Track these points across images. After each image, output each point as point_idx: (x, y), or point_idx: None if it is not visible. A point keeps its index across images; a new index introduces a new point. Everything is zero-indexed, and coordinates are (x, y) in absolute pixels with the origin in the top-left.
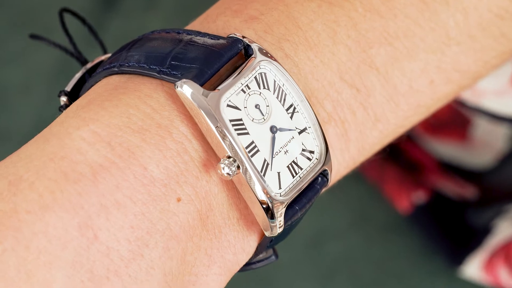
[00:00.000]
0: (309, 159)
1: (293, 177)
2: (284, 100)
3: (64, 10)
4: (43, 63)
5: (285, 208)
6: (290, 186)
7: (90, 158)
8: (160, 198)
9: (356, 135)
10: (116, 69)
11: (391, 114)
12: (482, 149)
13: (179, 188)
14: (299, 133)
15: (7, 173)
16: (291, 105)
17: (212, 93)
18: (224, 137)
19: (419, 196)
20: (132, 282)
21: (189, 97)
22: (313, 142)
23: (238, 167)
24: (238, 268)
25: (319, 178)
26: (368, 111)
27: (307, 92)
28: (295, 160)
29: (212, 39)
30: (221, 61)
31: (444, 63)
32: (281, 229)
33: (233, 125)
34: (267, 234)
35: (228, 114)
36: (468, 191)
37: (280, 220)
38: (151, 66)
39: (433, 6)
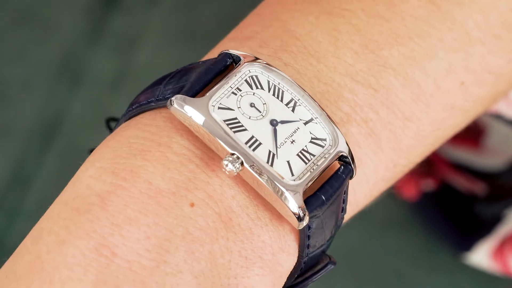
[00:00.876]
0: (321, 146)
1: (306, 163)
2: (282, 96)
3: (110, 119)
4: (45, 60)
5: (301, 194)
6: (304, 172)
7: (98, 188)
8: (172, 206)
9: (386, 134)
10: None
11: (422, 114)
12: (494, 155)
13: (190, 194)
14: (305, 123)
15: (32, 231)
16: (290, 100)
17: (198, 99)
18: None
19: (428, 184)
20: (163, 287)
21: (178, 107)
22: (323, 130)
23: (243, 163)
24: (282, 269)
25: (342, 167)
26: (393, 110)
27: (316, 95)
28: (305, 148)
29: (205, 62)
30: (210, 75)
31: (471, 63)
32: (306, 219)
33: (228, 124)
34: (296, 227)
35: (221, 115)
36: (478, 187)
37: (300, 209)
38: (149, 100)
39: (446, 7)
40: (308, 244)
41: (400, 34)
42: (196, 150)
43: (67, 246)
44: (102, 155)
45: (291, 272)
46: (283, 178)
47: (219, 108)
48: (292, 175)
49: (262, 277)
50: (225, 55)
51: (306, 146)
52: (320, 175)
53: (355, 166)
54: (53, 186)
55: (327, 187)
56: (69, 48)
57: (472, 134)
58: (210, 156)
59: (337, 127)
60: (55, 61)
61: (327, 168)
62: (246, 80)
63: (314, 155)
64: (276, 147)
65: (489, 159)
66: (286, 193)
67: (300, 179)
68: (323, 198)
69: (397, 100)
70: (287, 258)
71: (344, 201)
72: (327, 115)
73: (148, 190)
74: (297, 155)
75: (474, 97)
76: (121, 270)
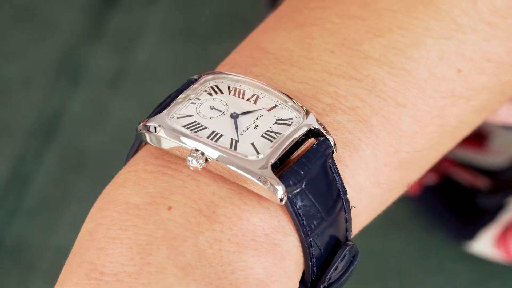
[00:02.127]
0: (287, 124)
1: (271, 141)
2: (243, 94)
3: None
4: (44, 58)
5: (269, 167)
6: (270, 149)
7: (88, 227)
8: (150, 214)
9: (378, 119)
10: None
11: (418, 100)
12: (498, 154)
13: (167, 200)
14: (269, 110)
15: None
16: (252, 95)
17: (157, 116)
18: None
19: (430, 178)
20: (148, 286)
21: (141, 130)
22: (288, 112)
23: (207, 160)
24: (282, 250)
25: (318, 141)
26: (382, 97)
27: (291, 94)
28: (270, 129)
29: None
30: (171, 96)
31: (466, 50)
32: (280, 189)
33: (187, 127)
34: (276, 201)
35: (180, 123)
36: (480, 181)
37: (271, 179)
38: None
39: None
40: (303, 223)
41: (379, 28)
42: (170, 164)
43: (64, 285)
44: (97, 200)
45: (304, 257)
46: (246, 156)
47: (177, 118)
48: (258, 153)
49: (259, 258)
50: (188, 80)
51: (271, 127)
52: (291, 151)
53: (333, 141)
54: (52, 185)
55: (302, 160)
56: (68, 46)
57: (476, 137)
58: (184, 165)
59: (305, 108)
60: (54, 60)
61: (297, 143)
62: (205, 91)
63: (280, 133)
64: (238, 134)
65: (492, 157)
66: (252, 169)
67: (264, 154)
68: (296, 168)
69: (385, 87)
70: (283, 238)
71: (336, 179)
72: (294, 101)
73: (126, 209)
74: (262, 136)
75: (475, 86)
76: (109, 284)
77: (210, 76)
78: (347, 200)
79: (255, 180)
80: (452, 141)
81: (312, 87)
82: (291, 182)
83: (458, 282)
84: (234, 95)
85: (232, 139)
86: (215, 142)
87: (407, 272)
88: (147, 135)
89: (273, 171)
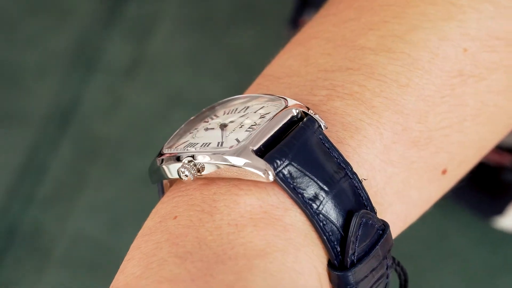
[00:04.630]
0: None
1: (252, 132)
2: (235, 111)
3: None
4: (59, 47)
5: (249, 150)
6: (251, 137)
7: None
8: (157, 227)
9: (379, 100)
10: None
11: (423, 80)
12: None
13: (172, 213)
14: (255, 112)
15: None
16: (243, 108)
17: (164, 152)
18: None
19: None
20: (149, 278)
21: (152, 170)
22: (272, 107)
23: (199, 170)
24: (284, 224)
25: (304, 121)
26: (383, 80)
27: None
28: (254, 123)
29: None
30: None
31: (471, 29)
32: (262, 166)
33: (180, 147)
34: (263, 179)
35: (174, 150)
36: (505, 159)
37: (252, 159)
38: None
39: None
40: (300, 195)
41: (373, 22)
42: (181, 188)
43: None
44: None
45: (316, 232)
46: (231, 147)
47: (176, 147)
48: (239, 142)
49: (258, 232)
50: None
51: (255, 122)
52: (274, 133)
53: (320, 119)
54: (67, 172)
55: (287, 138)
56: (83, 35)
57: None
58: (191, 184)
59: (286, 97)
60: (70, 48)
61: (278, 125)
62: (204, 121)
63: (260, 124)
64: (224, 136)
65: None
66: (231, 156)
67: (248, 141)
68: (280, 146)
69: (384, 71)
70: (284, 212)
71: (332, 152)
72: (277, 96)
73: (141, 234)
74: (246, 131)
75: (486, 64)
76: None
77: (205, 109)
78: (352, 172)
79: (237, 164)
80: (485, 125)
81: (307, 86)
82: (276, 159)
83: (471, 269)
84: (224, 114)
85: (218, 142)
86: (201, 148)
87: (420, 258)
88: (157, 173)
89: (258, 155)
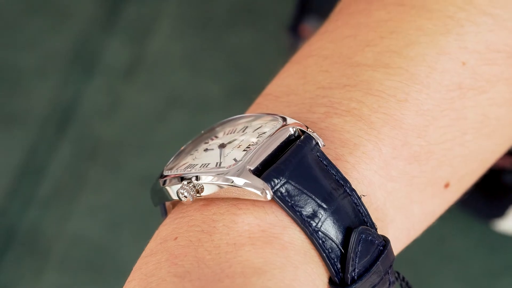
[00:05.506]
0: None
1: (249, 151)
2: (234, 131)
3: None
4: (58, 48)
5: (246, 170)
6: (248, 156)
7: None
8: (159, 248)
9: (378, 116)
10: None
11: (421, 94)
12: None
13: (173, 234)
14: (253, 131)
15: None
16: (242, 128)
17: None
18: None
19: None
20: None
21: (153, 193)
22: (269, 126)
23: (198, 191)
24: (283, 242)
25: (301, 139)
26: (380, 96)
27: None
28: (252, 143)
29: None
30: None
31: (469, 43)
32: (259, 185)
33: (180, 170)
34: (260, 197)
35: (174, 171)
36: (506, 161)
37: (249, 178)
38: None
39: (419, 3)
40: (298, 213)
41: (370, 39)
42: (182, 210)
43: None
44: None
45: (316, 249)
46: (228, 167)
47: (176, 169)
48: (237, 162)
49: (256, 250)
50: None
51: (252, 141)
52: (272, 152)
53: (318, 137)
54: (66, 174)
55: (284, 157)
56: (82, 36)
57: None
58: (191, 205)
59: (283, 116)
60: (69, 49)
61: (275, 144)
62: (205, 142)
63: (257, 144)
64: (222, 156)
65: None
66: (229, 176)
67: (244, 161)
68: (277, 165)
69: (382, 87)
70: (282, 230)
71: (330, 170)
72: (275, 116)
73: (143, 256)
74: (244, 150)
75: (487, 77)
76: None
77: (205, 131)
78: (351, 189)
79: (236, 184)
80: (488, 138)
81: (306, 104)
82: (274, 178)
83: (471, 273)
84: (226, 134)
85: (217, 163)
86: (201, 169)
87: (420, 261)
88: (158, 195)
89: (256, 174)
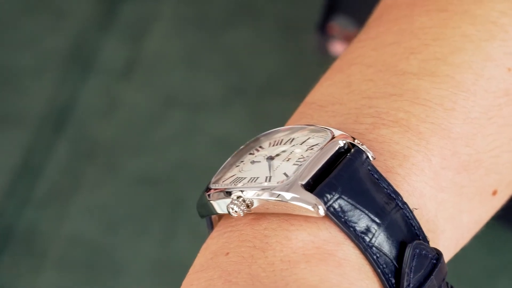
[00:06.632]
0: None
1: (300, 165)
2: (281, 142)
3: None
4: (55, 48)
5: (298, 185)
6: (299, 171)
7: None
8: (209, 264)
9: (426, 126)
10: None
11: (468, 102)
12: None
13: (225, 249)
14: (301, 143)
15: None
16: (288, 139)
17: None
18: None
19: None
20: None
21: (200, 205)
22: (318, 139)
23: (248, 206)
24: (338, 259)
25: (351, 152)
26: (428, 105)
27: (333, 127)
28: (301, 157)
29: None
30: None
31: None
32: (312, 201)
33: (227, 183)
34: (313, 214)
35: (221, 185)
36: None
37: (301, 194)
38: None
39: (461, 8)
40: (351, 228)
41: (414, 47)
42: (230, 224)
43: None
44: None
45: (371, 265)
46: (277, 183)
47: (223, 182)
48: (288, 177)
49: (311, 268)
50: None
51: (302, 155)
52: (329, 171)
53: (367, 150)
54: (63, 174)
55: (336, 171)
56: (80, 36)
57: None
58: (241, 219)
59: (331, 128)
60: (66, 49)
61: (326, 157)
62: (250, 153)
63: (307, 157)
64: (272, 170)
65: None
66: (281, 192)
67: (296, 175)
68: (329, 180)
69: (428, 96)
70: (337, 247)
71: (381, 184)
72: (323, 127)
73: (193, 271)
74: (293, 164)
75: None
76: None
77: (249, 141)
78: (403, 202)
79: (287, 199)
80: None
81: (352, 115)
82: (326, 194)
83: (469, 272)
84: (273, 145)
85: (266, 177)
86: (249, 183)
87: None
88: (205, 208)
89: (307, 189)
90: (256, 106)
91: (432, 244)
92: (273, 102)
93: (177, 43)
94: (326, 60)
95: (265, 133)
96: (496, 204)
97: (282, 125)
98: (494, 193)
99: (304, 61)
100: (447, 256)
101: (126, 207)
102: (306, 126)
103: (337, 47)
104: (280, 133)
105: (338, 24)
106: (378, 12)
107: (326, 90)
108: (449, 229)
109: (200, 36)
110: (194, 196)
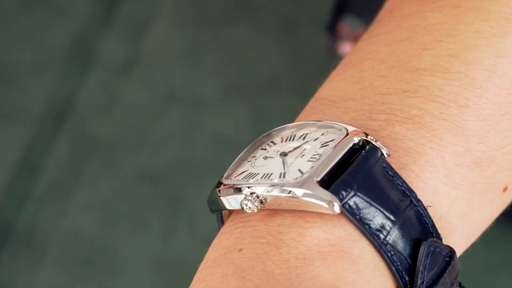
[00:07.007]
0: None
1: (315, 162)
2: (293, 138)
3: None
4: (55, 44)
5: (313, 181)
6: (314, 167)
7: None
8: (222, 260)
9: (439, 123)
10: None
11: (481, 99)
12: None
13: (238, 245)
14: (315, 140)
15: None
16: (301, 135)
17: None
18: (239, 190)
19: None
20: None
21: (211, 200)
22: (332, 135)
23: (262, 202)
24: (353, 256)
25: (366, 149)
26: (441, 102)
27: (345, 123)
28: (316, 153)
29: None
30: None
31: None
32: (328, 198)
33: (240, 178)
34: (328, 210)
35: (233, 181)
36: None
37: (316, 191)
38: None
39: (475, 4)
40: (366, 226)
41: (426, 42)
42: (242, 219)
43: None
44: None
45: (385, 262)
46: (294, 179)
47: (235, 177)
48: (302, 174)
49: (326, 266)
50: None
51: (316, 151)
52: (343, 167)
53: (382, 146)
54: (63, 171)
55: (351, 168)
56: (79, 32)
57: None
58: (254, 215)
59: (345, 124)
60: (66, 46)
61: (340, 154)
62: (261, 148)
63: (322, 154)
64: (286, 167)
65: None
66: (295, 189)
67: (310, 171)
68: (345, 177)
69: (442, 92)
70: (352, 244)
71: (396, 181)
72: (337, 124)
73: (205, 265)
74: (308, 161)
75: None
76: None
77: (262, 136)
78: (417, 199)
79: (302, 196)
80: None
81: (366, 111)
82: (342, 191)
83: (468, 269)
84: (285, 141)
85: (281, 173)
86: (263, 179)
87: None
88: (216, 204)
89: (322, 186)
90: (256, 104)
91: (444, 241)
92: (272, 99)
93: (177, 40)
94: (331, 60)
95: (276, 128)
96: (506, 201)
97: (282, 123)
98: (505, 189)
99: (304, 59)
100: (457, 254)
101: (125, 204)
102: (318, 122)
103: (346, 48)
104: (292, 129)
105: (348, 24)
106: (387, 6)
107: (338, 85)
108: (461, 226)
109: (200, 33)
110: (193, 192)
